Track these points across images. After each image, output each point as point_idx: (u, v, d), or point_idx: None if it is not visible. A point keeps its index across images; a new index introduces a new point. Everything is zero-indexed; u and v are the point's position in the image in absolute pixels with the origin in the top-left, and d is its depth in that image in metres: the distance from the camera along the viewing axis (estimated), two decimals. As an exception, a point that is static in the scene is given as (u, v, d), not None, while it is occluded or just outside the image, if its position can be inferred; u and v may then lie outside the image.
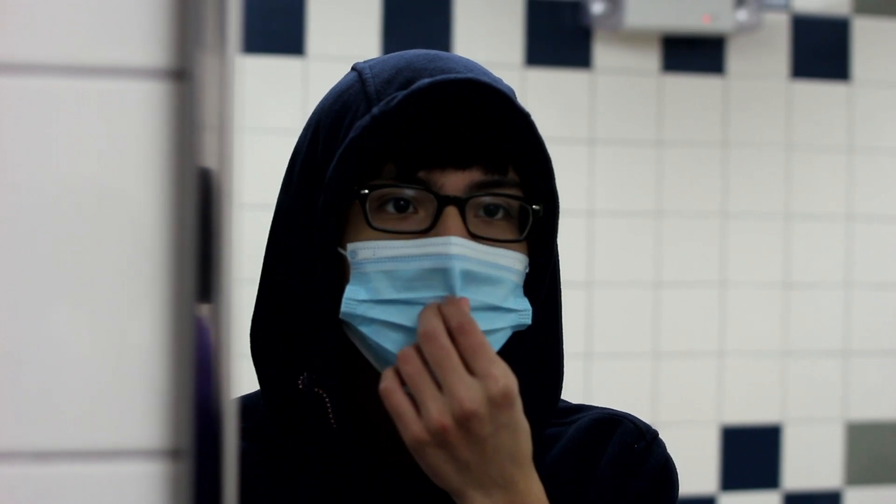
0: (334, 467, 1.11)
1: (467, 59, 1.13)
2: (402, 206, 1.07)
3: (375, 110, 1.06)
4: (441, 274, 1.05)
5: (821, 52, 3.26)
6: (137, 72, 0.64)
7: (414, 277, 1.05)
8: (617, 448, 1.19)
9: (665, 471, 1.21)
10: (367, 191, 1.06)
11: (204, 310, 0.66)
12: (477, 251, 1.06)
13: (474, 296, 1.06)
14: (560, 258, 1.16)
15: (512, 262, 1.08)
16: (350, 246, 1.07)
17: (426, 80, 1.06)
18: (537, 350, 1.13)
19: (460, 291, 1.05)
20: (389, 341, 1.06)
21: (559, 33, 3.09)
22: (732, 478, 3.21)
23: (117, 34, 0.64)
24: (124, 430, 0.65)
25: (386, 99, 1.07)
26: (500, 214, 1.09)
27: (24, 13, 0.63)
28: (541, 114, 2.96)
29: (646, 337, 3.16)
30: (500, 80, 1.12)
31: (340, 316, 1.07)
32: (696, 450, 3.16)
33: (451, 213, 1.06)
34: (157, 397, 0.65)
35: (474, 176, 1.07)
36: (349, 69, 1.16)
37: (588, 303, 3.11)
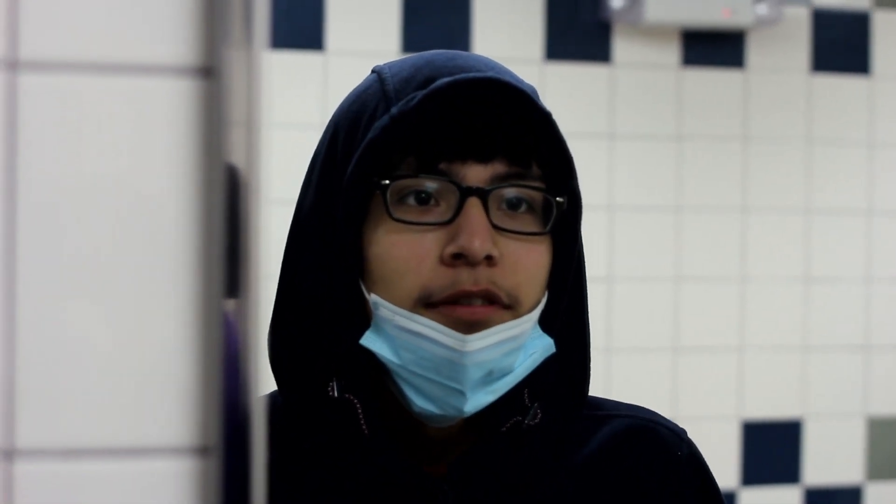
0: (367, 473, 1.09)
1: (487, 59, 1.12)
2: (424, 199, 1.05)
3: (394, 110, 1.05)
4: (455, 367, 1.04)
5: (841, 45, 3.24)
6: (165, 69, 0.64)
7: (430, 358, 1.05)
8: (660, 460, 1.20)
9: (705, 465, 1.24)
10: (387, 181, 1.05)
11: (231, 305, 0.66)
12: (493, 336, 1.05)
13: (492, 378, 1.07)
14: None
15: (526, 324, 1.07)
16: (372, 298, 1.06)
17: (446, 80, 1.04)
18: (564, 346, 1.12)
19: (472, 390, 1.05)
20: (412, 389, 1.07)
21: (579, 28, 3.09)
22: (753, 473, 3.20)
23: (144, 32, 0.64)
24: (152, 427, 0.65)
25: (405, 98, 1.05)
26: (523, 208, 1.07)
27: (50, 11, 0.63)
28: (560, 109, 2.96)
29: (666, 332, 3.15)
30: (521, 80, 1.11)
31: (361, 342, 1.07)
32: (717, 445, 3.15)
33: (474, 203, 1.04)
34: (185, 394, 0.65)
35: (497, 168, 1.06)
36: (369, 70, 1.15)
37: (608, 297, 3.10)
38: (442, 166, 1.05)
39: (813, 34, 3.23)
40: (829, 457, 3.26)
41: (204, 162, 0.64)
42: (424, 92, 1.04)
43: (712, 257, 3.18)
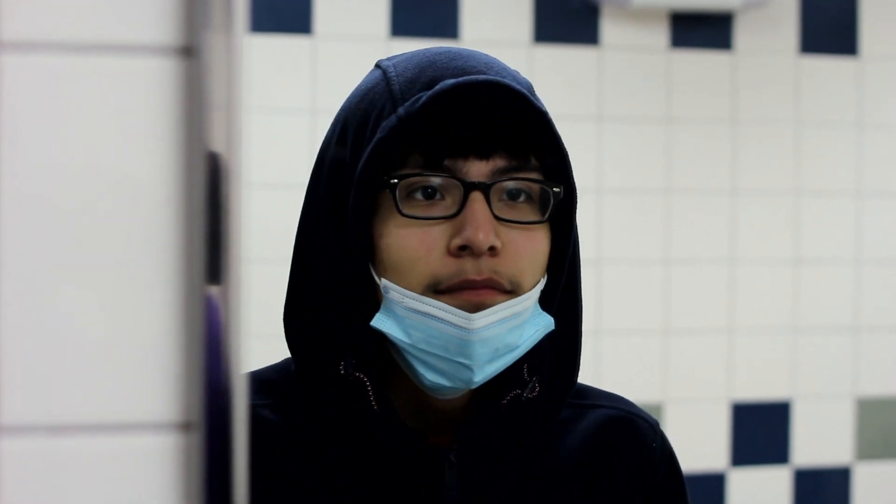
0: (376, 446, 1.16)
1: (487, 56, 1.18)
2: (430, 194, 1.13)
3: (401, 111, 1.12)
4: (463, 344, 1.11)
5: (829, 27, 3.25)
6: (145, 49, 0.65)
7: (438, 337, 1.11)
8: (637, 450, 1.29)
9: (674, 455, 1.33)
10: (396, 180, 1.12)
11: (214, 289, 0.67)
12: (496, 314, 1.12)
13: (498, 354, 1.13)
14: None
15: (527, 302, 1.14)
16: (383, 282, 1.13)
17: (450, 82, 1.11)
18: (558, 326, 1.19)
19: (479, 365, 1.12)
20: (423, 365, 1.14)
21: (567, 10, 3.09)
22: (742, 454, 3.21)
23: (125, 11, 0.65)
24: (136, 404, 0.66)
25: (411, 100, 1.12)
26: (522, 198, 1.14)
27: (33, -7, 0.64)
28: (549, 91, 2.97)
29: (655, 314, 3.16)
30: (517, 76, 1.18)
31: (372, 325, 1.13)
32: (706, 426, 3.16)
33: (477, 197, 1.11)
34: (169, 372, 0.66)
35: (497, 163, 1.13)
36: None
37: (597, 280, 3.11)
38: (446, 163, 1.12)
39: (801, 16, 3.23)
40: (819, 437, 3.27)
41: (184, 143, 0.65)
42: (429, 93, 1.11)
43: (701, 239, 3.19)
